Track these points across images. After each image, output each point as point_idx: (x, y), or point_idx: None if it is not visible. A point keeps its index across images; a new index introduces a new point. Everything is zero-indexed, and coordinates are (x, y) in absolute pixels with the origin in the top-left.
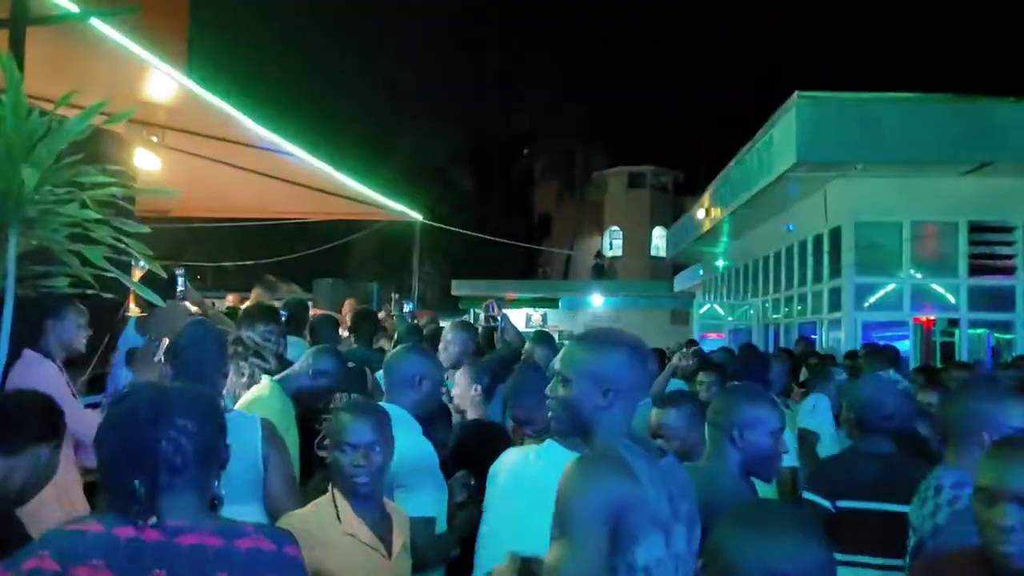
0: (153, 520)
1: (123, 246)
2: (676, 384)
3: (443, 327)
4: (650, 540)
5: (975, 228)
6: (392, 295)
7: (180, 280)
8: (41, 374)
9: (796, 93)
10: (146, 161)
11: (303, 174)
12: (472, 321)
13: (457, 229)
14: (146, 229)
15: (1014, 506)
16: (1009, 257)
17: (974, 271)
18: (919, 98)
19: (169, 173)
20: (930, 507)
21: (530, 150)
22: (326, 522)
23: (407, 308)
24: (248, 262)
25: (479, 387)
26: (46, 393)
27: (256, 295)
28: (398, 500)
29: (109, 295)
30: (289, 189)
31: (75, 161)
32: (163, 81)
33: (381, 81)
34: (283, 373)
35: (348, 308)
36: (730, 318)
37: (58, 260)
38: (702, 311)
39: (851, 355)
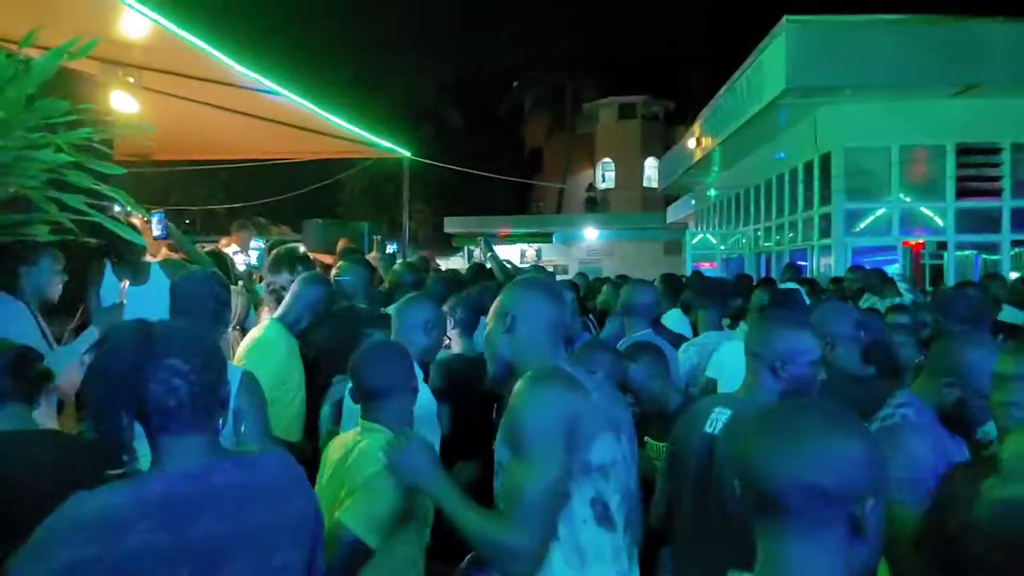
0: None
1: (101, 190)
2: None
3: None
4: (602, 440)
5: (963, 151)
6: (375, 236)
7: (159, 223)
8: (7, 314)
9: (785, 18)
10: (123, 103)
11: (288, 113)
12: (467, 259)
13: (445, 165)
14: (122, 171)
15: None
16: (996, 179)
17: (961, 194)
18: (906, 20)
19: (149, 115)
20: (872, 424)
21: (519, 84)
22: None
23: (390, 249)
24: (237, 205)
25: (453, 320)
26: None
27: (239, 238)
28: None
29: (92, 240)
30: (275, 129)
31: (48, 104)
32: (136, 18)
33: (368, 19)
34: (281, 309)
35: (342, 246)
36: (722, 247)
37: (36, 207)
38: (694, 241)
39: (836, 280)
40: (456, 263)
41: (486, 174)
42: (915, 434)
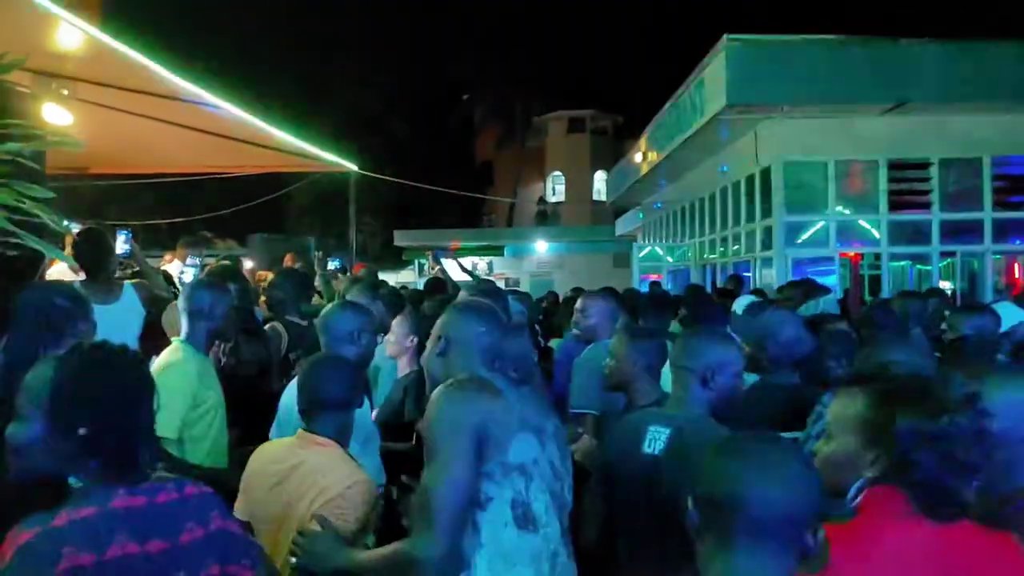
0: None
1: (25, 207)
2: None
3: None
4: (521, 440)
5: (894, 166)
6: (316, 253)
7: (125, 241)
8: None
9: (725, 36)
10: (56, 116)
11: (231, 126)
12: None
13: (392, 179)
14: (50, 194)
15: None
16: (925, 192)
17: (894, 207)
18: (841, 40)
19: (83, 128)
20: (811, 428)
21: (469, 97)
22: None
23: (332, 265)
24: (179, 220)
25: (415, 338)
26: None
27: (182, 254)
28: None
29: (14, 253)
30: (217, 142)
31: None
32: (70, 30)
33: (314, 29)
34: (183, 329)
35: (289, 262)
36: (669, 259)
37: None
38: (642, 254)
39: (780, 290)
40: (407, 277)
41: (436, 187)
42: None
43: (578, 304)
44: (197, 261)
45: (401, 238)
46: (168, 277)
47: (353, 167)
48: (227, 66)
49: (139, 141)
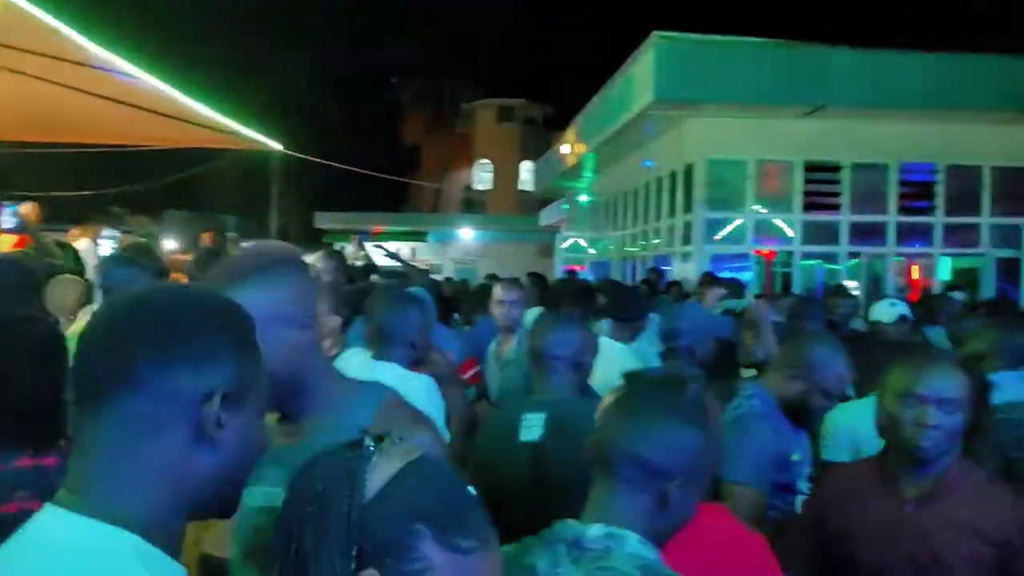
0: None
1: None
2: None
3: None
4: None
5: (809, 167)
6: (228, 233)
7: (10, 215)
8: None
9: (654, 33)
10: None
11: (147, 97)
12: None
13: (317, 159)
14: None
15: (934, 408)
16: (836, 195)
17: (807, 207)
18: (763, 43)
19: None
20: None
21: (398, 80)
22: None
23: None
24: (87, 192)
25: (338, 319)
26: None
27: (93, 230)
28: None
29: None
30: (132, 113)
31: None
32: None
33: (243, 6)
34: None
35: (207, 241)
36: (592, 251)
37: None
38: (565, 245)
39: (674, 285)
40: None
41: (361, 170)
42: (760, 423)
43: (499, 295)
44: (117, 234)
45: (322, 220)
46: (72, 250)
47: (277, 146)
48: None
49: (47, 109)
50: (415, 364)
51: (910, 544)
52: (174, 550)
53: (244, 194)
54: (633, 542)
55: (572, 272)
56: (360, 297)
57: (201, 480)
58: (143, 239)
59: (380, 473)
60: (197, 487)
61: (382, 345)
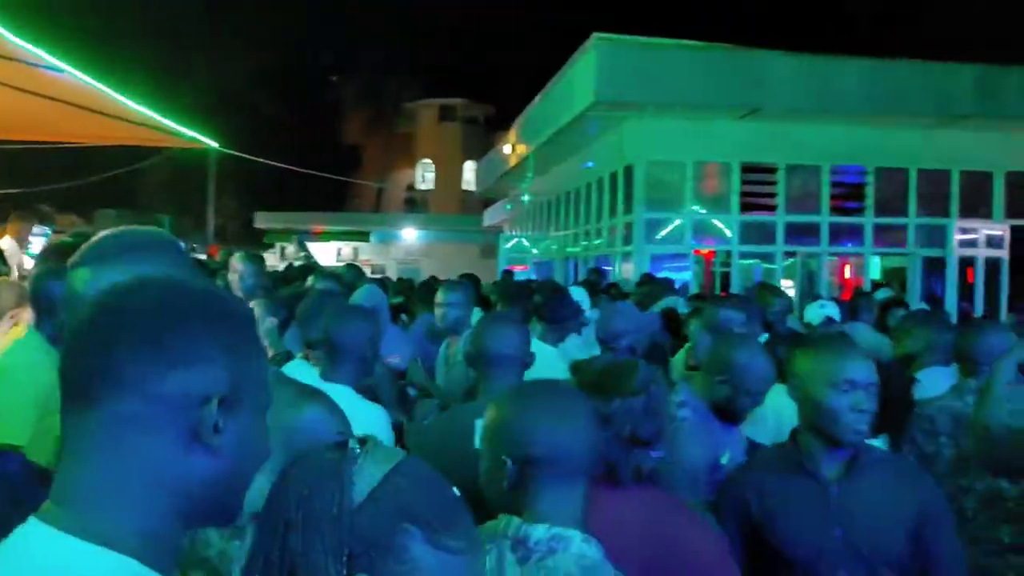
0: None
1: None
2: None
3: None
4: None
5: (746, 169)
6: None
7: None
8: None
9: (594, 35)
10: None
11: (77, 93)
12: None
13: (253, 157)
14: None
15: (864, 392)
16: (772, 196)
17: (744, 208)
18: (702, 47)
19: None
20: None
21: (339, 78)
22: None
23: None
24: (13, 190)
25: (275, 320)
26: None
27: (17, 228)
28: None
29: None
30: (60, 109)
31: None
32: None
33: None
34: (36, 316)
35: None
36: (535, 251)
37: None
38: (508, 245)
39: (613, 286)
40: (268, 261)
41: (301, 169)
42: (691, 435)
43: (440, 298)
44: (47, 230)
45: (262, 220)
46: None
47: (213, 143)
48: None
49: None
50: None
51: (838, 524)
52: (172, 564)
53: (180, 193)
54: (577, 541)
55: (509, 272)
56: (295, 300)
57: (198, 489)
58: (68, 239)
59: (367, 475)
60: (194, 496)
61: (331, 362)
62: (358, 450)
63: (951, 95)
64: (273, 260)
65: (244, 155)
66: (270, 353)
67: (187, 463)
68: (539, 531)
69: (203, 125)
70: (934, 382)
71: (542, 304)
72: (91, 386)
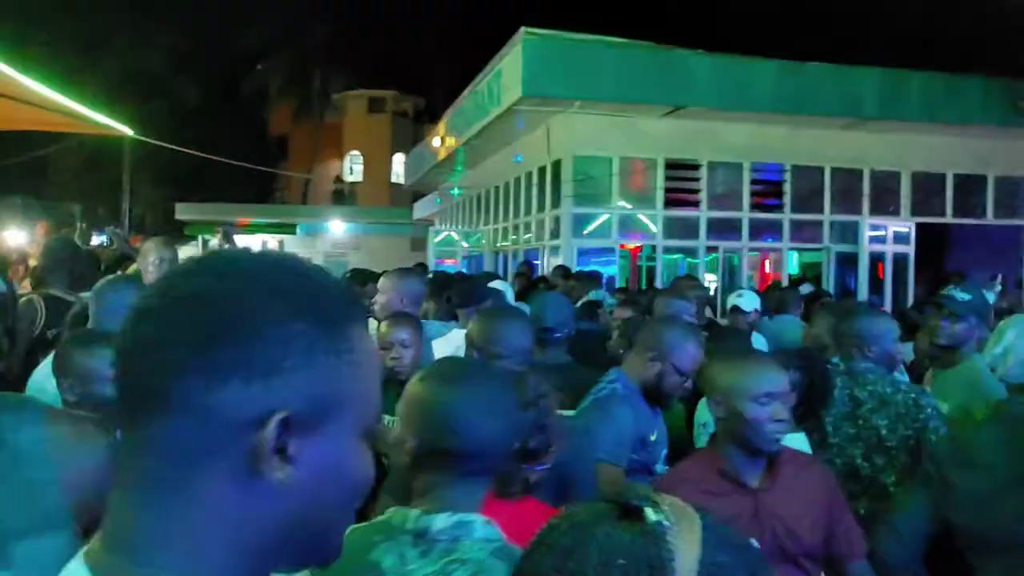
0: None
1: None
2: None
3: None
4: None
5: (670, 165)
6: (80, 224)
7: None
8: None
9: (523, 29)
10: None
11: None
12: (201, 248)
13: (170, 146)
14: None
15: (781, 403)
16: (695, 191)
17: (668, 203)
18: (627, 44)
19: None
20: (587, 399)
21: (264, 66)
22: None
23: (98, 239)
24: None
25: None
26: None
27: None
28: None
29: None
30: None
31: None
32: None
33: None
34: None
35: (41, 232)
36: (464, 244)
37: None
38: (438, 239)
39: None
40: (189, 253)
41: (222, 159)
42: (620, 405)
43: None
44: None
45: (183, 211)
46: None
47: (127, 130)
48: None
49: None
50: None
51: (768, 529)
52: None
53: (95, 182)
54: (480, 525)
55: (421, 265)
56: None
57: (269, 531)
58: None
59: (685, 554)
60: (266, 541)
61: None
62: (665, 521)
63: (859, 97)
64: (194, 252)
65: (162, 143)
66: None
67: (250, 500)
68: (440, 520)
69: (120, 111)
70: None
71: (455, 292)
72: (135, 405)
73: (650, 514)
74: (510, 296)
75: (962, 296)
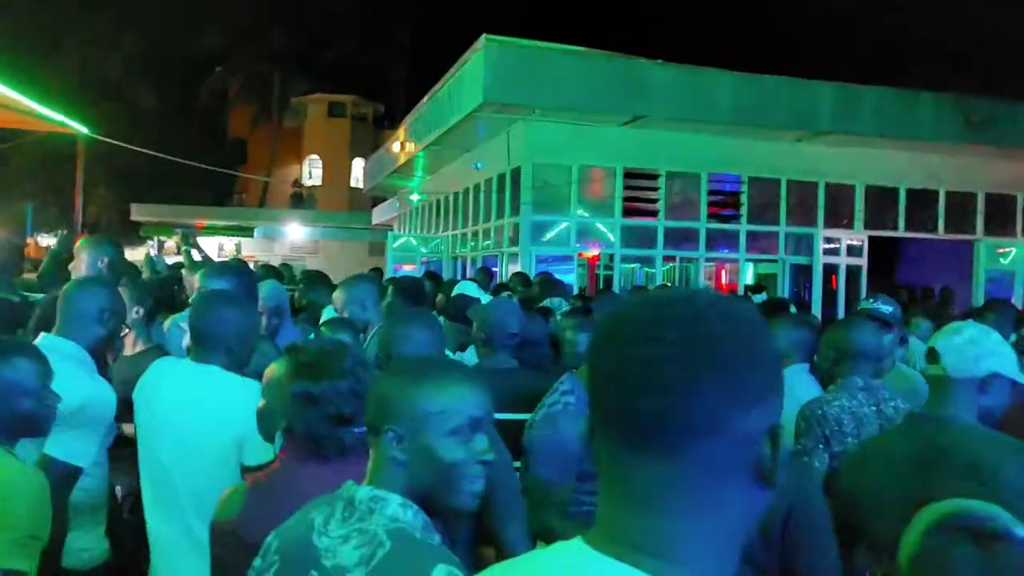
0: None
1: None
2: None
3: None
4: None
5: (629, 174)
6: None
7: None
8: None
9: (484, 36)
10: None
11: None
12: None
13: (126, 145)
14: None
15: None
16: (654, 201)
17: (627, 212)
18: (588, 53)
19: None
20: (538, 409)
21: (224, 68)
22: None
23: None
24: None
25: (141, 309)
26: None
27: None
28: (51, 439)
29: None
30: None
31: None
32: None
33: None
34: None
35: None
36: (423, 250)
37: None
38: (397, 244)
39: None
40: (143, 254)
41: (179, 160)
42: (572, 421)
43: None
44: None
45: (139, 212)
46: None
47: (82, 129)
48: None
49: None
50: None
51: None
52: None
53: (48, 181)
54: (394, 505)
55: (377, 270)
56: (165, 290)
57: (752, 527)
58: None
59: None
60: (747, 534)
61: (196, 350)
62: None
63: (814, 111)
64: (151, 253)
65: (116, 143)
66: (140, 347)
67: (751, 503)
68: (363, 492)
69: (77, 112)
70: (797, 378)
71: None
72: (663, 429)
73: None
74: (485, 298)
75: (885, 308)
